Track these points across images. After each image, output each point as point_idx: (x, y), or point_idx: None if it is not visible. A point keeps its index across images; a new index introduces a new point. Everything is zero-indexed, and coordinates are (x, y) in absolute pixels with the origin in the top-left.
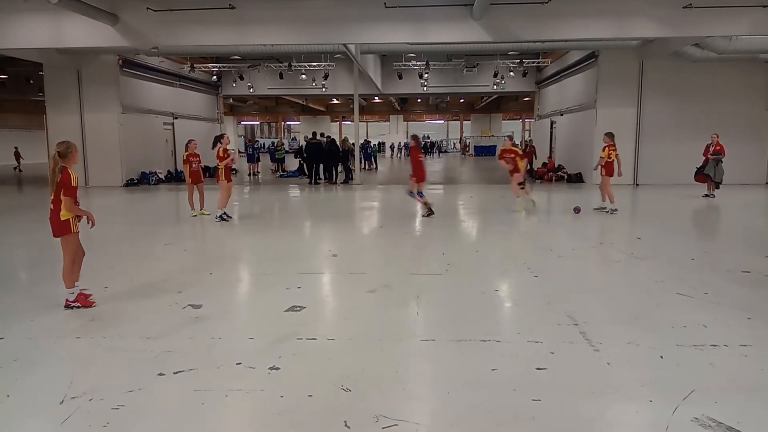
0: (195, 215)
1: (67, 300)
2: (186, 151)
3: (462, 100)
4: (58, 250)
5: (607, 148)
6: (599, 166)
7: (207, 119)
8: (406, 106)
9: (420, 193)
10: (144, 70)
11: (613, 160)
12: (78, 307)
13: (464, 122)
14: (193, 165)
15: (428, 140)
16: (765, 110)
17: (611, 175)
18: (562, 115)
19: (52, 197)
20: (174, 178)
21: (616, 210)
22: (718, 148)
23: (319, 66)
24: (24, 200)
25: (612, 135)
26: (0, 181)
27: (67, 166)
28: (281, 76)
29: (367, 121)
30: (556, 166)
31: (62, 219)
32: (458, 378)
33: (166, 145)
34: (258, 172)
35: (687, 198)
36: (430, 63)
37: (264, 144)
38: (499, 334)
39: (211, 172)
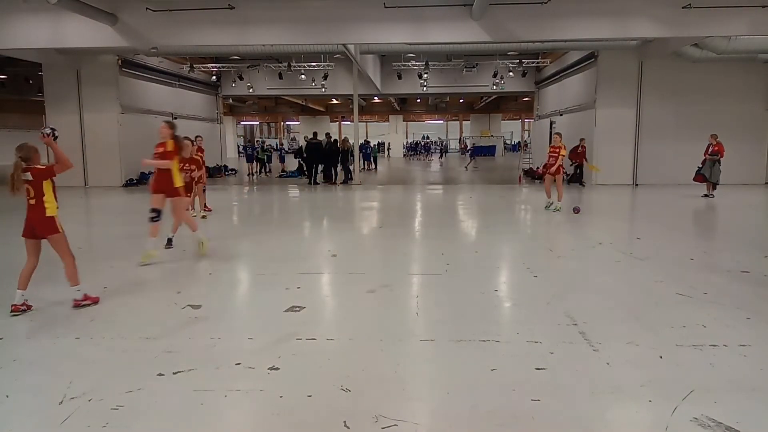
0: (195, 216)
1: (75, 300)
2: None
3: (461, 101)
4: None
5: (564, 148)
6: (558, 165)
7: (206, 119)
8: (405, 106)
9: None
10: (143, 70)
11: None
12: (88, 305)
13: (464, 122)
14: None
15: (427, 140)
16: (764, 110)
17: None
18: (561, 115)
19: (33, 198)
20: None
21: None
22: (716, 148)
23: (318, 66)
24: (24, 200)
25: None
26: (2, 181)
27: (35, 166)
28: (281, 76)
29: (366, 122)
30: None
31: (47, 216)
32: (458, 378)
33: None
34: (257, 171)
35: (686, 198)
36: (429, 63)
37: (270, 145)
38: (498, 334)
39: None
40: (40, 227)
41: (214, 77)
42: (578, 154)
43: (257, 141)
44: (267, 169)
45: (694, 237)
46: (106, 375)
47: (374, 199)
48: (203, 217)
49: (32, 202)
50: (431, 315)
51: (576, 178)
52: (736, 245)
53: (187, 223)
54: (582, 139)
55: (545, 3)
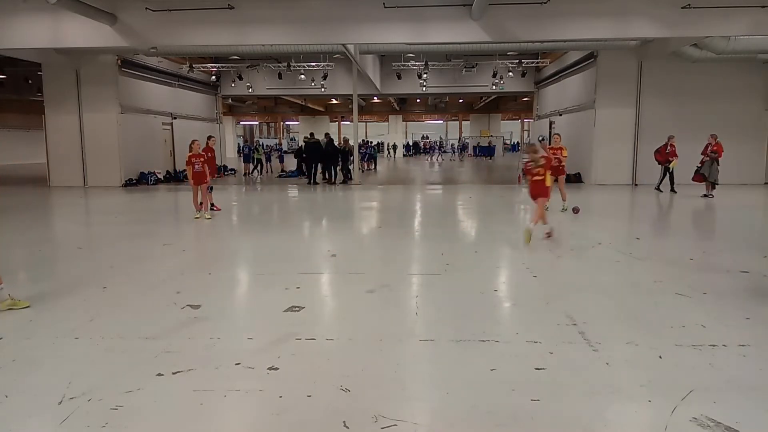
0: (198, 217)
1: None
2: (189, 151)
3: (461, 101)
4: (57, 250)
5: (564, 149)
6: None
7: (206, 119)
8: (405, 106)
9: (210, 188)
10: (143, 70)
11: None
12: None
13: (463, 122)
14: (196, 166)
15: (427, 140)
16: (763, 110)
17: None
18: (560, 115)
19: None
20: (173, 178)
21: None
22: (715, 148)
23: (318, 66)
24: (24, 199)
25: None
26: (2, 181)
27: None
28: (280, 76)
29: (366, 122)
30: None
31: None
32: (457, 378)
33: (164, 146)
34: (249, 172)
35: (686, 198)
36: (429, 63)
37: (263, 144)
38: (498, 334)
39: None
40: None
41: (213, 77)
42: (668, 154)
43: (256, 141)
44: (265, 169)
45: (693, 237)
46: (105, 375)
47: (374, 199)
48: (208, 218)
49: None
50: (431, 315)
51: (666, 181)
52: (735, 245)
53: None
54: (671, 137)
55: (545, 3)
